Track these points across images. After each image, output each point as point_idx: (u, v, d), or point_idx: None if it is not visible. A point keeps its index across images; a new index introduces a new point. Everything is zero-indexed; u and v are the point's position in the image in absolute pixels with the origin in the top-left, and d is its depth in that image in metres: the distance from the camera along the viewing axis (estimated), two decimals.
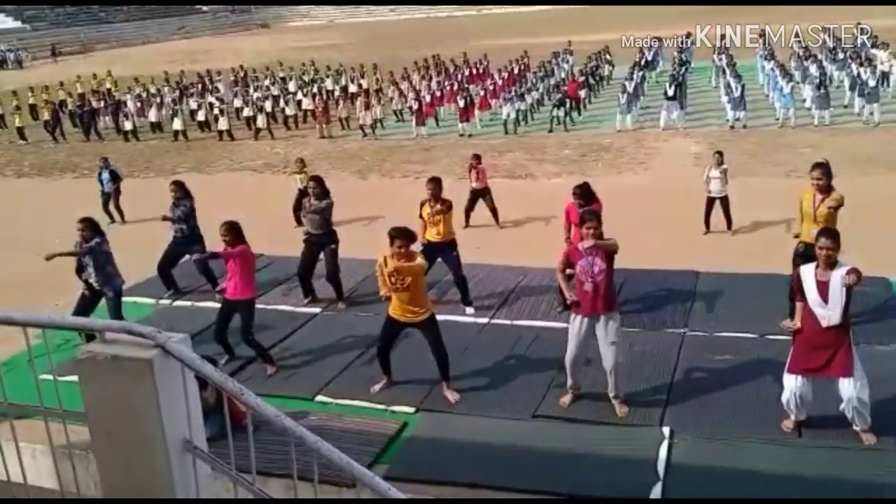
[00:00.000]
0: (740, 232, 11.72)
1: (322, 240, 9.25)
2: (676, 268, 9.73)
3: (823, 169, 7.45)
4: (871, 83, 19.12)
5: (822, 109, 19.00)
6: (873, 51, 23.40)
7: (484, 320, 8.65)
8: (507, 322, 8.58)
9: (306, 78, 28.52)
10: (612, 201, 8.96)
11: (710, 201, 11.66)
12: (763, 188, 13.28)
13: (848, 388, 5.78)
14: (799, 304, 5.94)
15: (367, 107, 21.94)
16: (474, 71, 26.99)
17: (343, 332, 8.51)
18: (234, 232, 7.57)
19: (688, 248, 11.10)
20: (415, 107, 21.70)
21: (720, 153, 11.81)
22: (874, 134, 17.91)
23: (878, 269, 8.39)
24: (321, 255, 9.29)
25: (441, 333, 7.03)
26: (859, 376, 5.79)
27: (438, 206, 8.82)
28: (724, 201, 11.61)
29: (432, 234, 8.87)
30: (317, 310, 9.23)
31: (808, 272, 5.88)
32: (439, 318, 7.25)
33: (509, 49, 30.12)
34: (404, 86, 24.87)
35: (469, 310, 8.86)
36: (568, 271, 6.58)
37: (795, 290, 5.97)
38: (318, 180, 9.48)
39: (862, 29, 24.96)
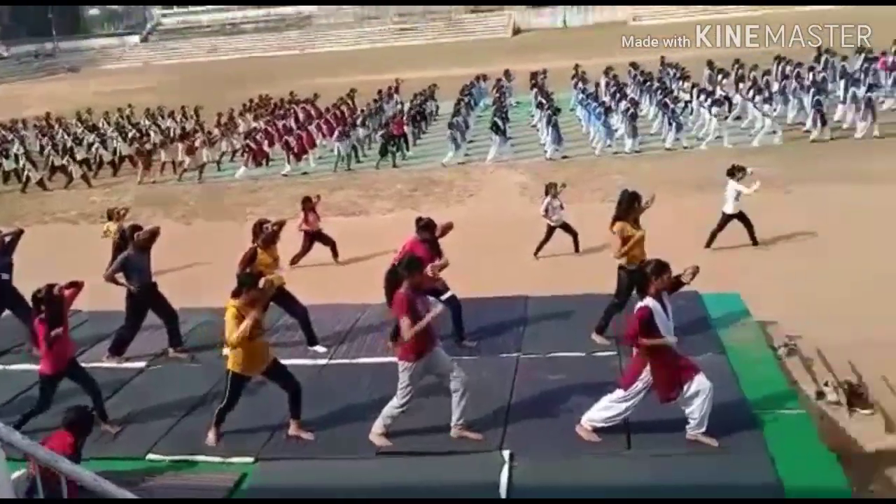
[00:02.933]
0: (566, 255, 12.32)
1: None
2: (507, 294, 10.03)
3: None
4: (677, 113, 20.82)
5: (632, 138, 20.44)
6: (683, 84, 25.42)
7: (323, 361, 8.50)
8: (347, 361, 8.49)
9: (123, 122, 27.20)
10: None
11: (552, 230, 12.19)
12: (584, 214, 14.02)
13: (703, 381, 6.15)
14: (652, 341, 6.11)
15: (191, 151, 21.21)
16: (299, 111, 26.76)
17: (172, 386, 8.08)
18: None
19: (517, 274, 11.51)
20: (248, 147, 21.30)
21: (555, 184, 12.36)
22: (676, 158, 19.43)
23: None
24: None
25: None
26: None
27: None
28: (567, 227, 12.19)
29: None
30: (142, 364, 8.72)
31: (655, 304, 6.18)
32: None
33: (338, 87, 30.23)
34: (242, 125, 24.48)
35: (320, 348, 8.72)
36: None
37: (644, 327, 6.12)
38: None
39: (667, 64, 27.32)
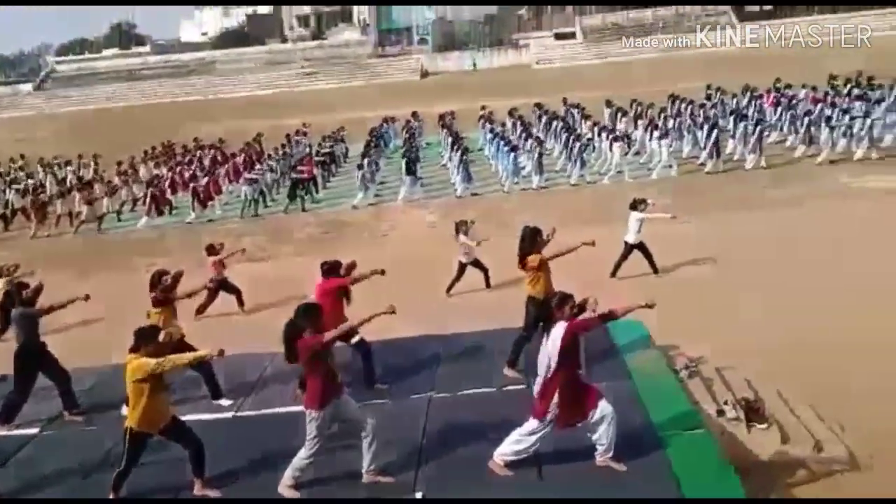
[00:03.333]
0: (478, 292, 12.39)
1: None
2: (422, 333, 9.97)
3: None
4: (580, 150, 21.39)
5: (539, 175, 20.87)
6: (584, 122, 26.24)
7: (228, 415, 8.23)
8: (254, 413, 8.23)
9: (15, 174, 26.09)
10: None
11: (464, 267, 12.29)
12: (494, 249, 14.14)
13: (606, 407, 6.26)
14: (563, 366, 6.23)
15: (90, 201, 20.46)
16: (205, 156, 26.27)
17: (68, 452, 7.64)
18: None
19: (430, 312, 11.46)
20: (150, 195, 20.73)
21: (465, 221, 12.48)
22: (581, 193, 19.94)
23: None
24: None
25: None
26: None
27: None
28: (479, 263, 12.29)
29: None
30: (35, 430, 8.22)
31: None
32: None
33: (245, 132, 29.88)
34: (143, 173, 23.89)
35: (224, 402, 8.43)
36: None
37: (569, 352, 6.27)
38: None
39: (570, 104, 28.24)
